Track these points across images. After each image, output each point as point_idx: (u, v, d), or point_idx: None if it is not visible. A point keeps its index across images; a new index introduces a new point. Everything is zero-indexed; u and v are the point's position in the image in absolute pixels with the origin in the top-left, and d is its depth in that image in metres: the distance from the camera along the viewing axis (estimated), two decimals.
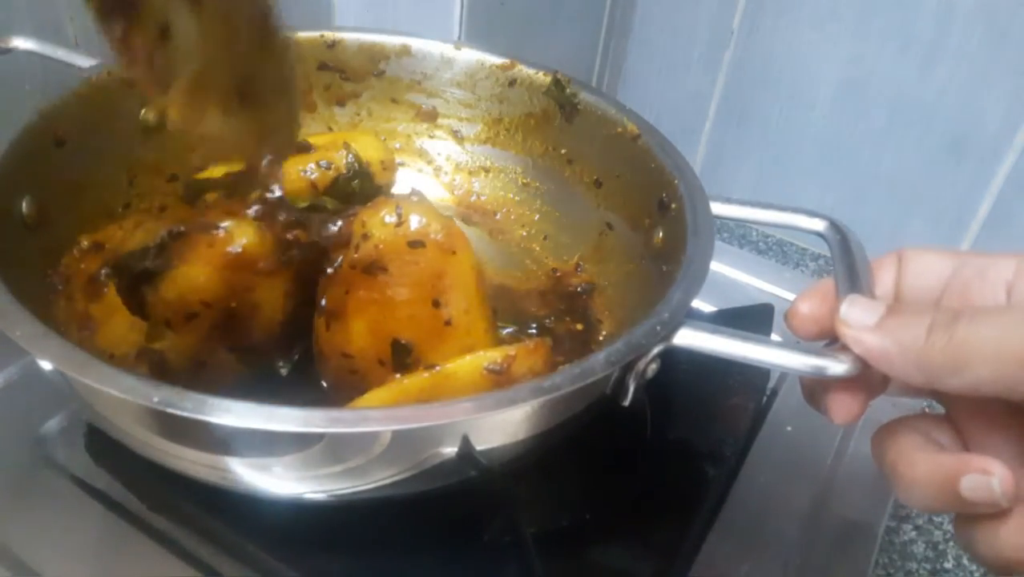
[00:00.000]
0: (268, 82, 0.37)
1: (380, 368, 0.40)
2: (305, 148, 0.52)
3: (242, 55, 0.36)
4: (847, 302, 0.32)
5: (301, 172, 0.50)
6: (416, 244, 0.37)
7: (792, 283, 0.68)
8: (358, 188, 0.52)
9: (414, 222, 0.38)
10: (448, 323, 0.38)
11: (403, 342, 0.38)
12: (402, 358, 0.38)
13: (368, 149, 0.53)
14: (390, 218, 0.38)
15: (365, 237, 0.38)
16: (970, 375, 0.28)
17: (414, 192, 0.40)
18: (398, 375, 0.39)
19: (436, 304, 0.38)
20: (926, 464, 0.30)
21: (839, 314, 0.32)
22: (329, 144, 0.52)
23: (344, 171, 0.51)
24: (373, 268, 0.38)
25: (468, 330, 0.39)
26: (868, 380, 0.32)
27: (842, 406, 0.33)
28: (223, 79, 0.36)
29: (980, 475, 0.28)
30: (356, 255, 0.38)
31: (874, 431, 0.34)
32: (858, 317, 0.31)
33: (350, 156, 0.51)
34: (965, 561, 0.53)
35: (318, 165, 0.50)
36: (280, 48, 0.37)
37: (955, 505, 0.29)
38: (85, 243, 0.46)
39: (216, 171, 0.52)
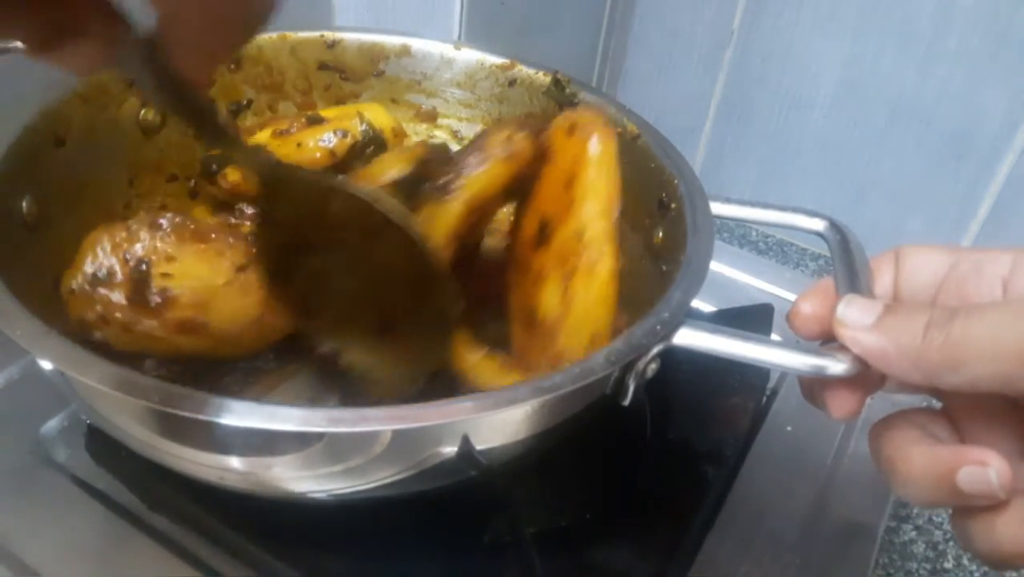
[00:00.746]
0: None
1: (530, 250, 0.43)
2: (317, 120, 0.53)
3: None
4: (844, 302, 0.32)
5: (319, 141, 0.51)
6: (571, 131, 0.42)
7: (792, 283, 0.68)
8: (372, 155, 0.53)
9: (576, 115, 0.43)
10: (571, 203, 0.41)
11: (544, 220, 0.42)
12: (542, 233, 0.42)
13: (379, 117, 0.54)
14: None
15: (543, 131, 0.44)
16: (967, 372, 0.28)
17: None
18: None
19: (568, 185, 0.41)
20: (923, 458, 0.30)
21: (836, 314, 0.32)
22: (341, 115, 0.54)
23: (360, 139, 0.52)
24: (545, 156, 0.43)
25: (580, 214, 0.40)
26: (866, 377, 0.32)
27: (840, 403, 0.33)
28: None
29: (977, 467, 0.28)
30: (538, 146, 0.44)
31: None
32: (855, 317, 0.31)
33: (364, 124, 0.52)
34: (965, 561, 0.53)
35: (335, 134, 0.51)
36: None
37: (953, 498, 0.29)
38: (73, 284, 0.43)
39: None
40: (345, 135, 0.52)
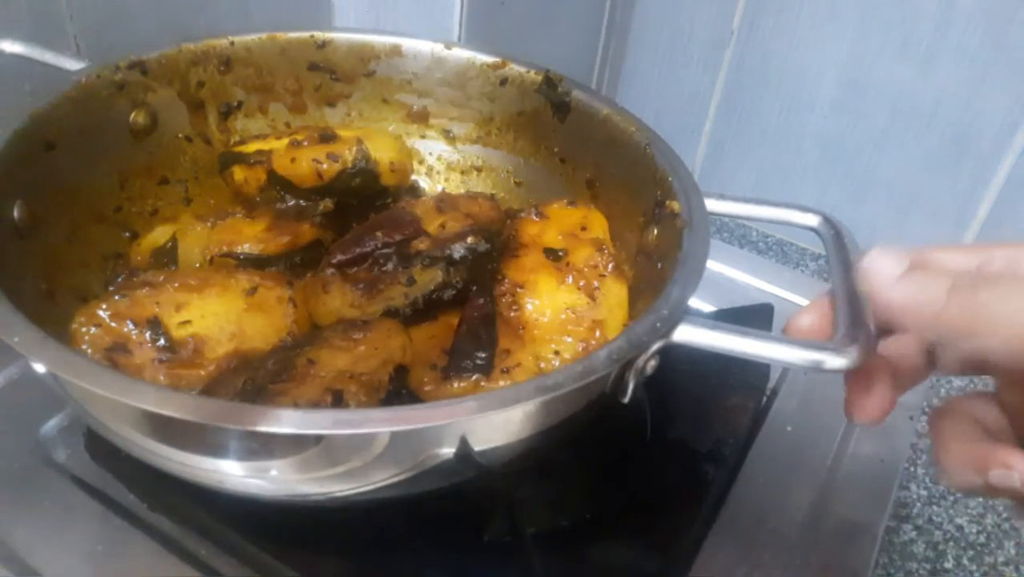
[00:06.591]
0: None
1: (539, 267, 0.50)
2: (329, 137, 0.52)
3: None
4: (873, 252, 0.32)
5: (312, 160, 0.51)
6: (572, 203, 0.54)
7: (792, 283, 0.68)
8: (358, 185, 0.52)
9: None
10: (585, 238, 0.51)
11: (556, 251, 0.51)
12: (556, 256, 0.50)
13: (380, 148, 0.53)
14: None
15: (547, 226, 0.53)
16: (980, 341, 0.28)
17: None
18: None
19: (581, 228, 0.52)
20: (959, 453, 0.31)
21: (863, 264, 0.32)
22: (350, 138, 0.53)
23: (349, 166, 0.51)
24: (542, 217, 0.53)
25: (594, 239, 0.51)
26: (874, 373, 0.32)
27: (856, 403, 0.33)
28: None
29: (1003, 469, 0.29)
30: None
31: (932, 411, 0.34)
32: (883, 266, 0.31)
33: (356, 152, 0.51)
34: (965, 561, 0.53)
35: (327, 157, 0.51)
36: None
37: (987, 491, 0.30)
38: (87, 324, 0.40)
39: (249, 147, 0.52)
40: (337, 159, 0.51)
